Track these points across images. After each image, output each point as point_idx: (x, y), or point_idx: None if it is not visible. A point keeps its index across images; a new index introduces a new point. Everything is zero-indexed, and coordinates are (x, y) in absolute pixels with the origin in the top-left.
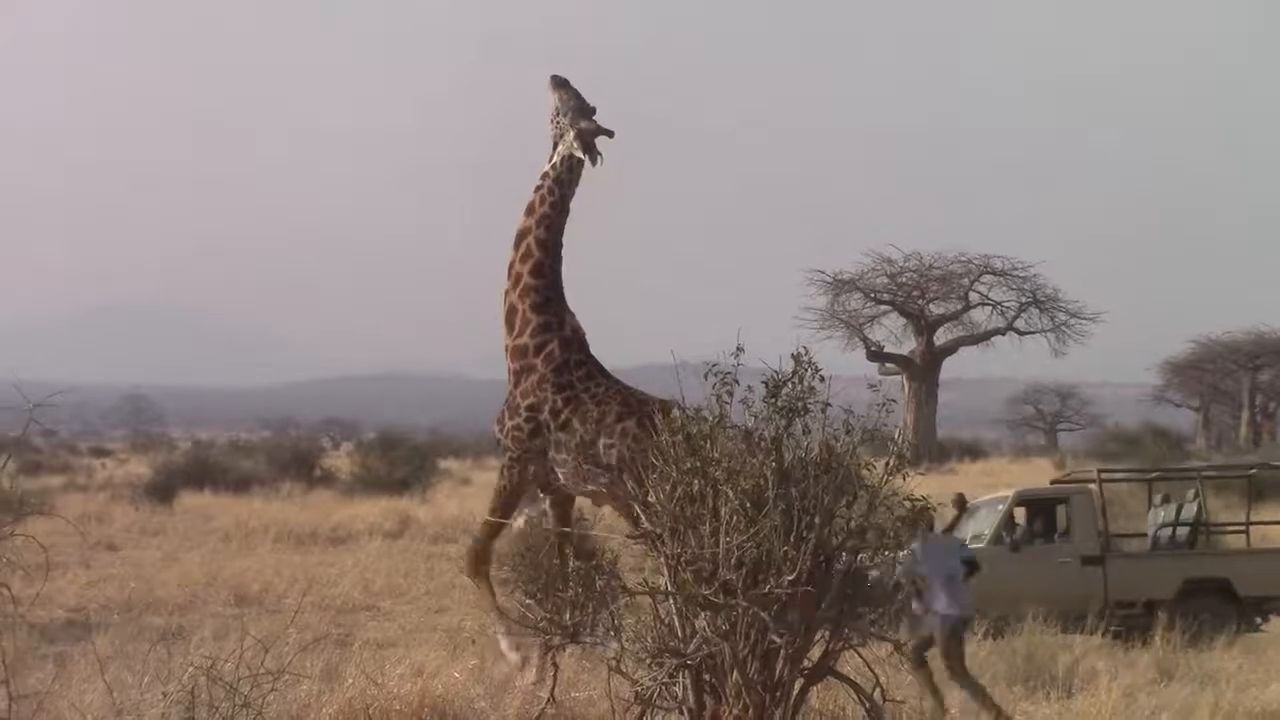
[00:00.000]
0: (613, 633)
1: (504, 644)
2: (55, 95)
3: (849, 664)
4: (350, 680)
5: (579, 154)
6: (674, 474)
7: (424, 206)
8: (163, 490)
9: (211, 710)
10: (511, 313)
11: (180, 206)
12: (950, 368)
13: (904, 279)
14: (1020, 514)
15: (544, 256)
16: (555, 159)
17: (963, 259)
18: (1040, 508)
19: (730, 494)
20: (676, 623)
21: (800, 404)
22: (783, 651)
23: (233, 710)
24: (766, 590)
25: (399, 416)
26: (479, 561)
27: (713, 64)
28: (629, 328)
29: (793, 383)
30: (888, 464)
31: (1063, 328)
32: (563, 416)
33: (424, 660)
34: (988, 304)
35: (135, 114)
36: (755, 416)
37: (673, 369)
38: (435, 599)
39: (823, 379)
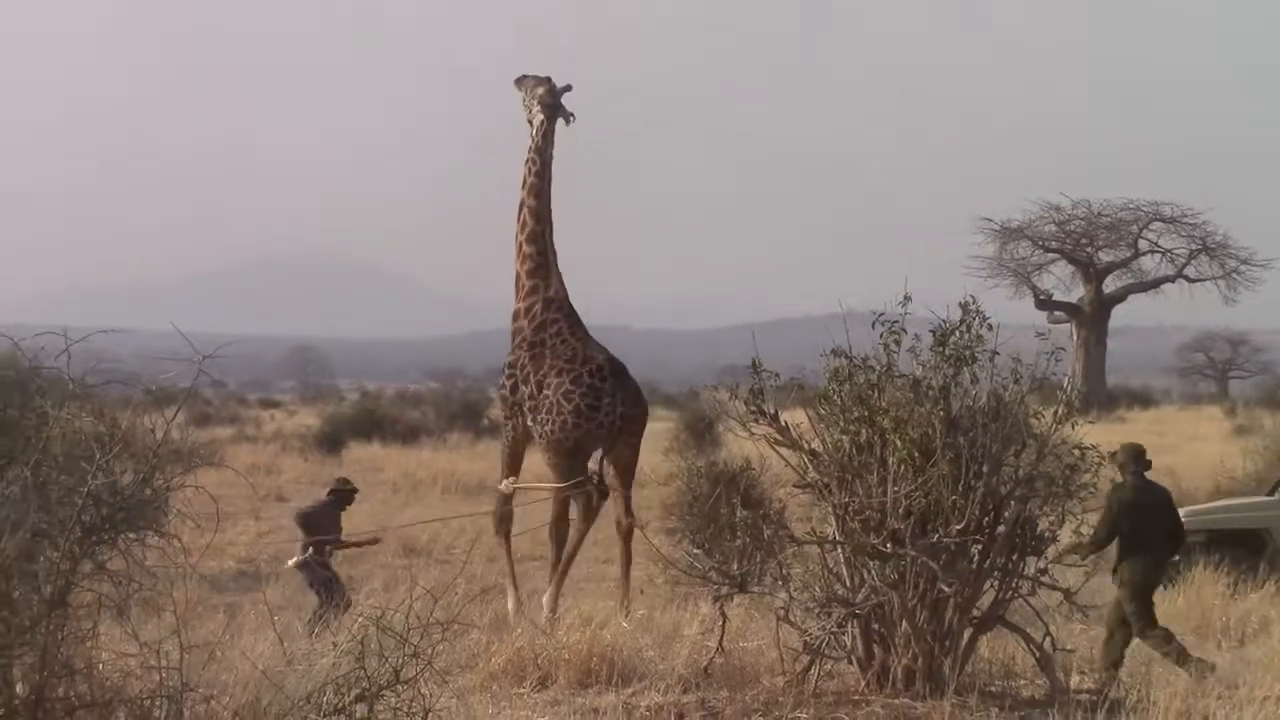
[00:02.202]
0: (781, 582)
1: (510, 601)
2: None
3: (1018, 613)
4: (519, 630)
5: (542, 116)
6: (842, 423)
7: (590, 156)
8: (331, 441)
9: (381, 660)
10: (516, 280)
11: (349, 161)
12: (1119, 315)
13: (1072, 226)
14: None
15: (536, 225)
16: (532, 133)
17: (1131, 206)
18: None
19: (898, 443)
20: (845, 572)
21: (968, 353)
22: (952, 600)
23: (402, 660)
24: (935, 539)
25: None
26: (501, 521)
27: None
28: (794, 278)
29: (960, 331)
30: (1056, 412)
31: (1233, 274)
32: (527, 371)
33: (592, 610)
34: (1157, 251)
35: (302, 71)
36: (923, 365)
37: (840, 317)
38: (603, 549)
39: (990, 327)
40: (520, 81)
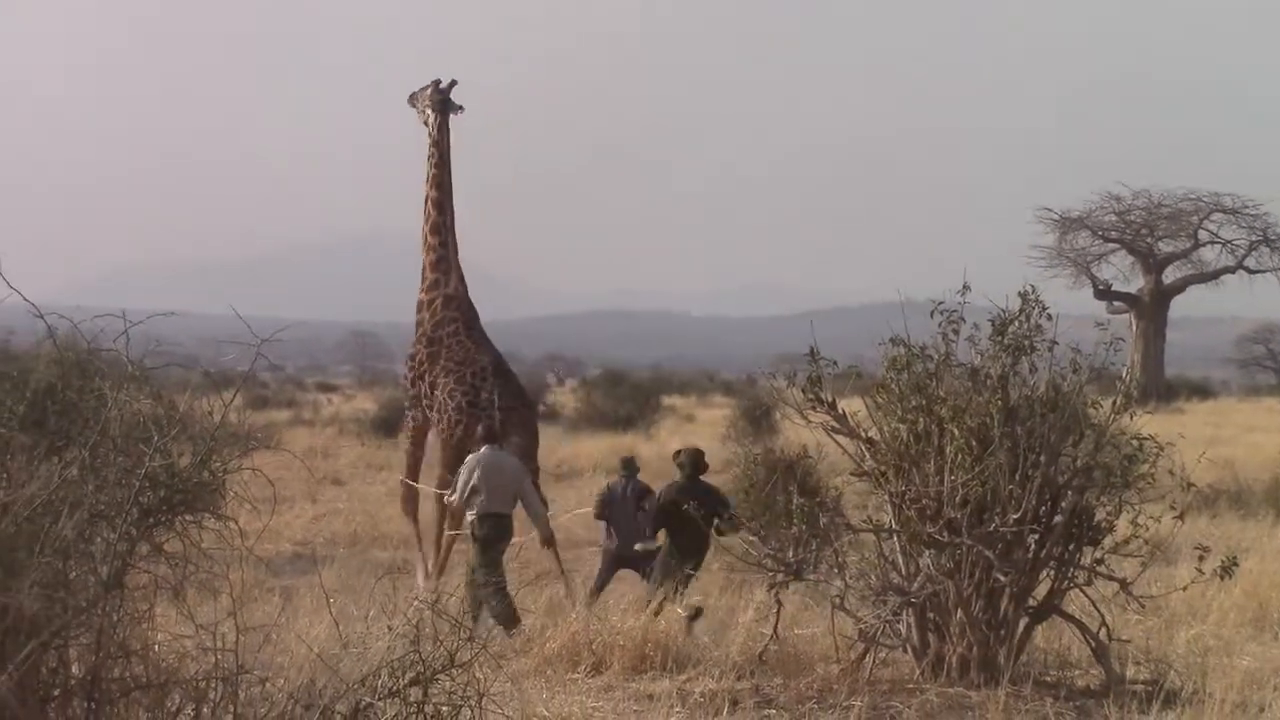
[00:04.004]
0: (836, 570)
1: (419, 575)
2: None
3: (1074, 603)
4: (574, 615)
5: (433, 113)
6: (899, 411)
7: (648, 146)
8: (388, 425)
9: (436, 644)
10: (421, 272)
11: (404, 145)
12: (1179, 306)
13: (1132, 217)
14: None
15: (439, 215)
16: (430, 130)
17: (1192, 196)
18: None
19: (956, 432)
20: (900, 560)
21: (1027, 342)
22: (1008, 590)
23: (457, 644)
24: (991, 528)
25: (622, 353)
26: (406, 500)
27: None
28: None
29: (1019, 321)
30: (1115, 403)
31: None
32: (424, 368)
33: (647, 595)
34: (1217, 242)
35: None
36: (981, 355)
37: (899, 306)
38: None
39: (1049, 317)
40: (411, 99)
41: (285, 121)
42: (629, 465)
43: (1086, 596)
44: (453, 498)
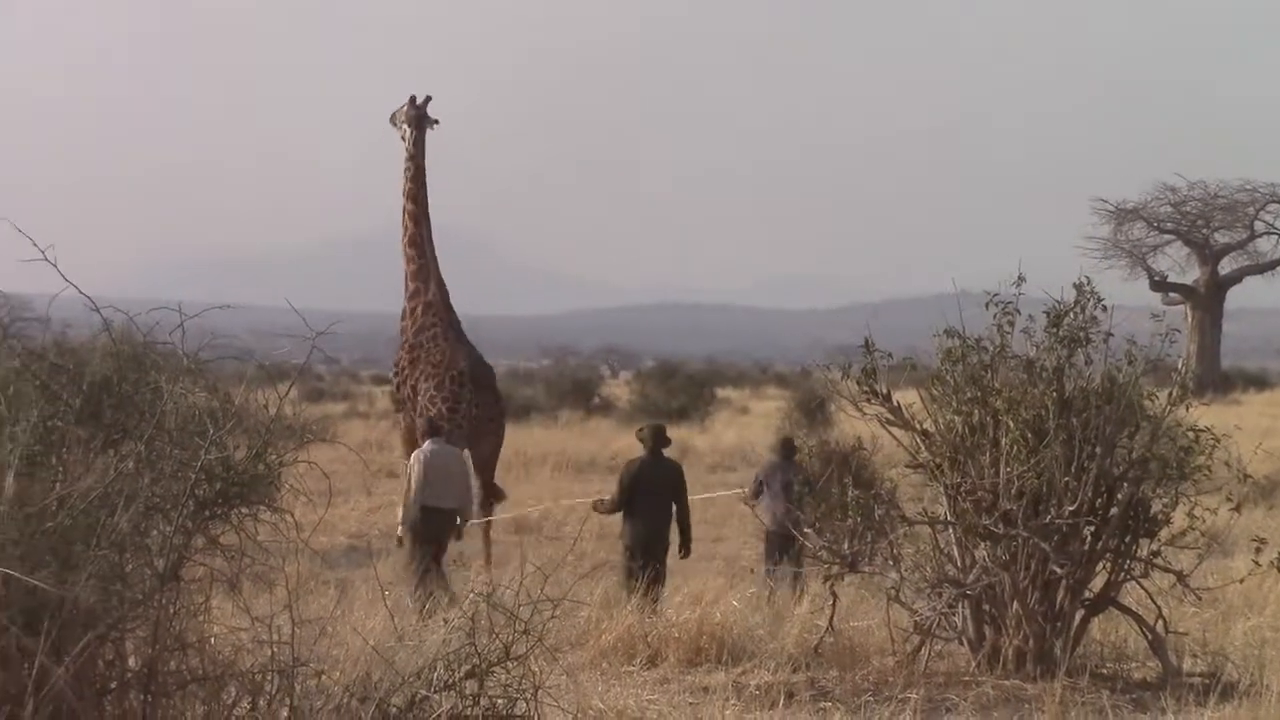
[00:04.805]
0: (891, 562)
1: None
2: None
3: (1130, 596)
4: (629, 607)
5: (409, 128)
6: (954, 403)
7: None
8: None
9: (492, 636)
10: (404, 281)
11: (456, 136)
12: (1235, 297)
13: (1188, 208)
14: None
15: (416, 228)
16: (406, 145)
17: (1248, 187)
18: None
19: (1011, 424)
20: (956, 553)
21: (1082, 334)
22: (1064, 582)
23: (513, 636)
24: (1047, 520)
25: (676, 345)
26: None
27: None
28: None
29: (1075, 312)
30: (1170, 395)
31: None
32: (406, 373)
33: (702, 588)
34: (1273, 233)
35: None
36: (1037, 346)
37: (954, 297)
38: (713, 528)
39: (1105, 309)
40: (392, 118)
41: (340, 114)
42: (787, 446)
43: (1143, 589)
44: (403, 515)
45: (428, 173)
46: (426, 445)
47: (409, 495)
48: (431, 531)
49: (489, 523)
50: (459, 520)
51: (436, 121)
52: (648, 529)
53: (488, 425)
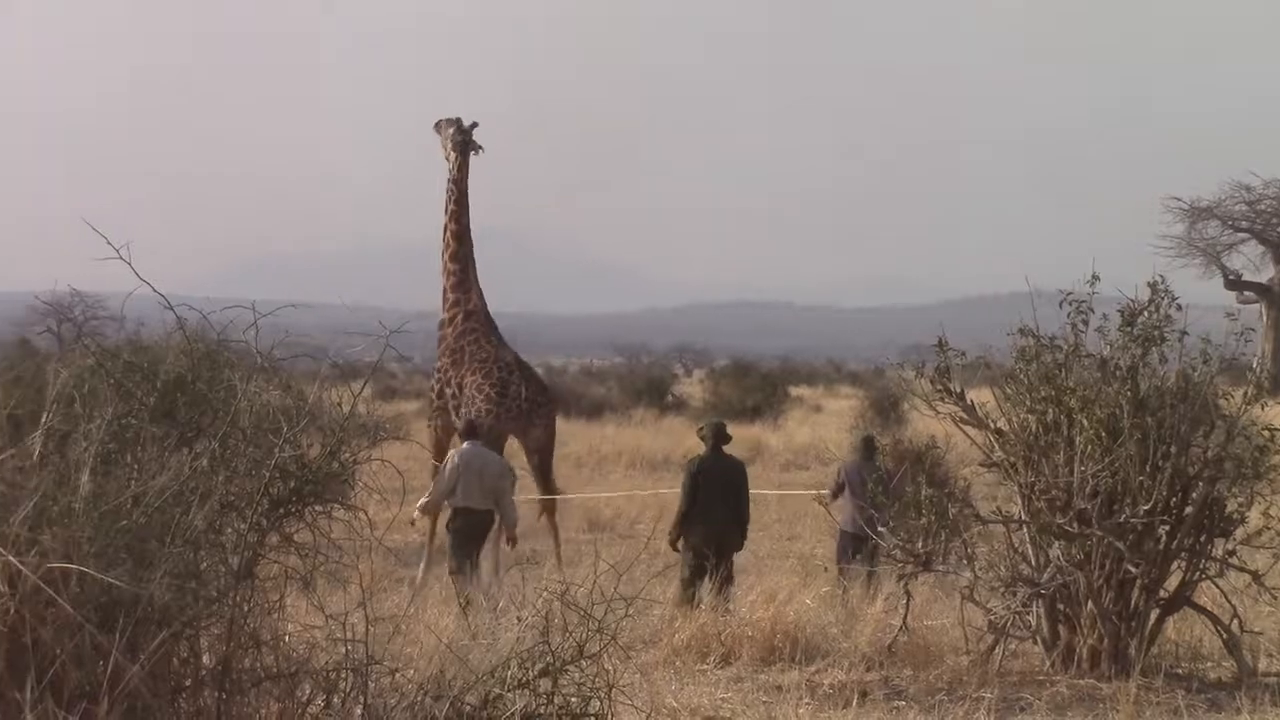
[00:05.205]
0: (965, 561)
1: (420, 571)
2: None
3: (1205, 595)
4: (703, 606)
5: (454, 153)
6: (1028, 402)
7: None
8: None
9: (565, 634)
10: (442, 294)
11: (518, 140)
12: None
13: (1263, 206)
14: None
15: (459, 246)
16: (450, 167)
17: None
18: None
19: (1085, 423)
20: (1030, 552)
21: (1156, 332)
22: (1138, 581)
23: (586, 635)
24: (1122, 519)
25: (749, 343)
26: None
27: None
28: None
29: (1149, 311)
30: (1245, 393)
31: None
32: (449, 375)
33: (776, 586)
34: None
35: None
36: (1111, 345)
37: (1027, 296)
38: (786, 526)
39: (1179, 307)
40: (437, 126)
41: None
42: (869, 444)
43: (1218, 588)
44: (425, 500)
45: (469, 194)
46: (464, 446)
47: (435, 490)
48: (468, 532)
49: (556, 526)
50: (499, 525)
51: (481, 148)
52: (715, 527)
53: (539, 410)
